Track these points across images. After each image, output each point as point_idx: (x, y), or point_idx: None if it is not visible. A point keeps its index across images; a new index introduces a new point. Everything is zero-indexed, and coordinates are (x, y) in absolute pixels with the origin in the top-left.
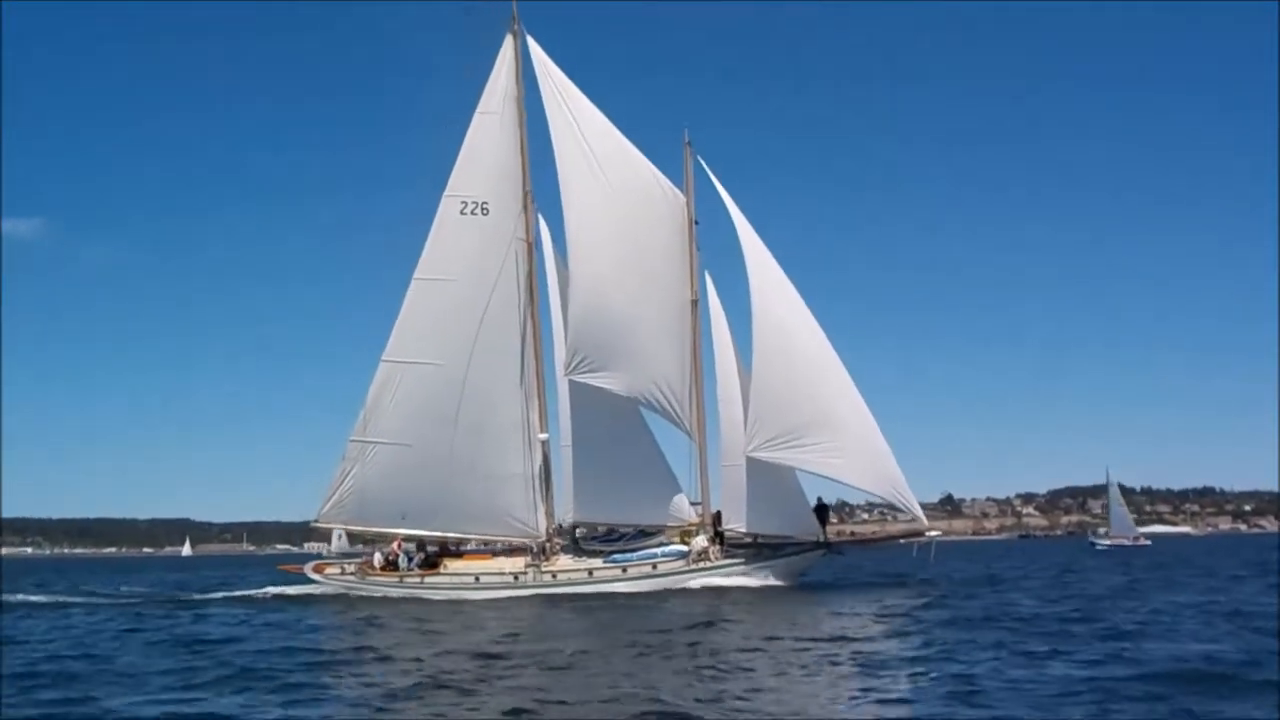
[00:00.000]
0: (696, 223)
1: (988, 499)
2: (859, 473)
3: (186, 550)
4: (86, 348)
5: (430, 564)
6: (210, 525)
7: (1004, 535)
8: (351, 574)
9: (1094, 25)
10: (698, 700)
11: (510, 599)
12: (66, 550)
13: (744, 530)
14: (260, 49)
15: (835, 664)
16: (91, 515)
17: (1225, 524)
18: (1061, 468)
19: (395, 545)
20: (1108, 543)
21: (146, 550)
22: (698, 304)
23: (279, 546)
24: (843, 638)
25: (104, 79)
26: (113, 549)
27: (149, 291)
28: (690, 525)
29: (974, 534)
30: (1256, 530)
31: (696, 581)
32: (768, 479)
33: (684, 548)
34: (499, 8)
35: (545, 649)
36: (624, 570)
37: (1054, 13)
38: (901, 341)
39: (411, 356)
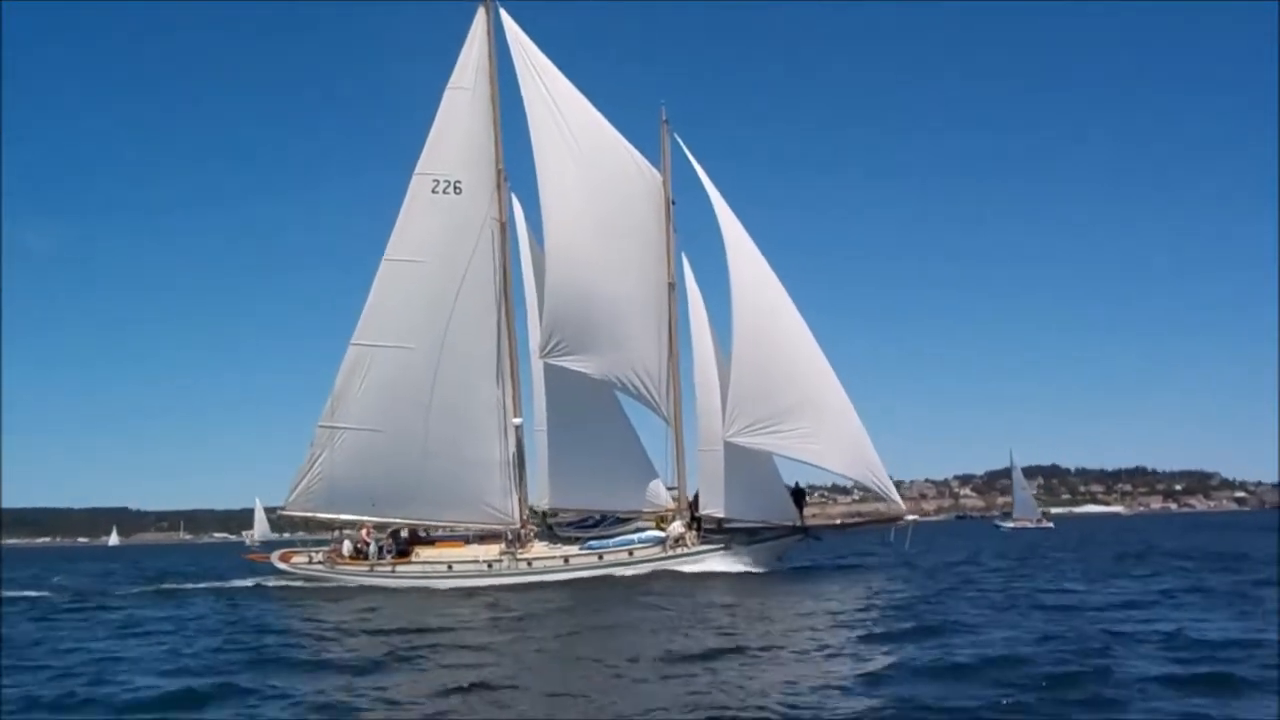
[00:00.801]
0: (674, 203)
1: (926, 480)
2: (836, 457)
3: (114, 540)
4: (25, 336)
5: (402, 552)
6: (146, 514)
7: (942, 516)
8: (319, 563)
9: (1091, 24)
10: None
11: (482, 587)
12: None
13: (721, 515)
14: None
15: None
16: (26, 505)
17: (1156, 503)
18: (999, 449)
19: (364, 533)
20: (1011, 525)
21: (82, 540)
22: (674, 287)
23: (216, 535)
24: (669, 627)
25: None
26: (47, 539)
27: (81, 278)
28: (667, 511)
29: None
30: (1186, 509)
31: (673, 567)
32: (745, 464)
33: (661, 533)
34: None
35: (372, 643)
36: (600, 557)
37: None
38: (841, 321)
39: (382, 340)
